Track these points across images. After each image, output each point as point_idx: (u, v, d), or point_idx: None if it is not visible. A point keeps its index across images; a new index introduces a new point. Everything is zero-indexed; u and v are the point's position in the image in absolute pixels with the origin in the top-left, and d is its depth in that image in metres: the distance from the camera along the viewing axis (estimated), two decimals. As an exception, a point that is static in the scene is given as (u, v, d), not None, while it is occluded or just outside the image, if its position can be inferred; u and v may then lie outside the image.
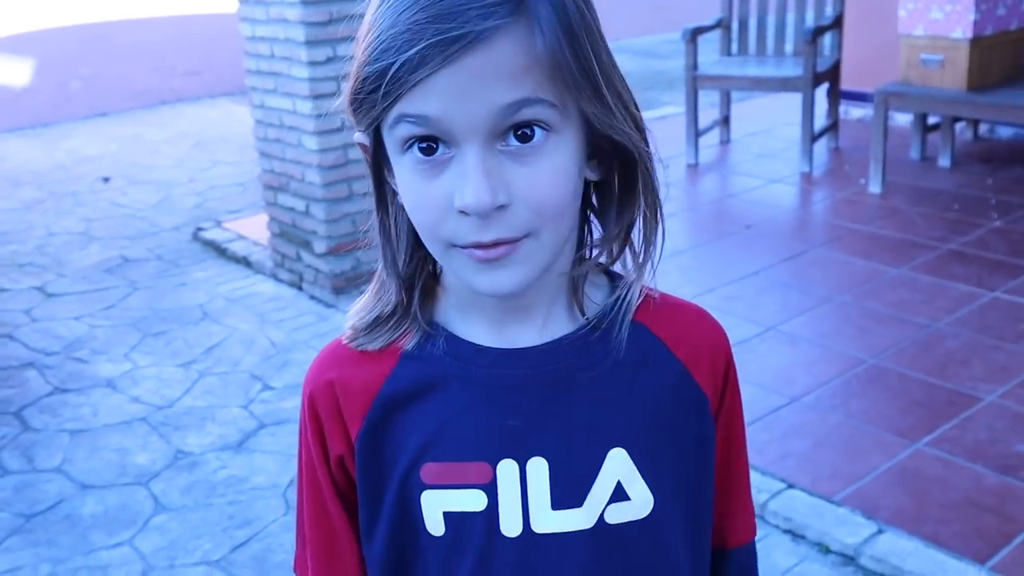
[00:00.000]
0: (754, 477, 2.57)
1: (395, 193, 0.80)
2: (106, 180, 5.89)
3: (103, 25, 7.90)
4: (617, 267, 0.85)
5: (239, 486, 2.79)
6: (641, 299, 0.84)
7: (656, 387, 0.84)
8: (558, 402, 0.81)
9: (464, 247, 0.74)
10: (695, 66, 5.15)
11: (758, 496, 2.50)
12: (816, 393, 2.98)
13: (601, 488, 0.81)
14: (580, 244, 0.84)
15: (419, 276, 0.84)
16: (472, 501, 0.82)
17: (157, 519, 2.67)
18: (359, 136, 0.80)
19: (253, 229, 4.66)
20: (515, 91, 0.69)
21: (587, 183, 0.80)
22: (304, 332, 3.71)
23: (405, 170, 0.75)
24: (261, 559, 2.49)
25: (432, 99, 0.70)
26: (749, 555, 0.96)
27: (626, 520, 0.82)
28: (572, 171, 0.74)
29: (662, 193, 0.81)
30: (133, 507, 2.73)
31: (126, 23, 7.98)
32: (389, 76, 0.70)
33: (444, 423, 0.82)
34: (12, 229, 5.08)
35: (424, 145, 0.72)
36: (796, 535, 2.41)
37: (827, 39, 5.32)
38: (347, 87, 0.75)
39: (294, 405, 3.21)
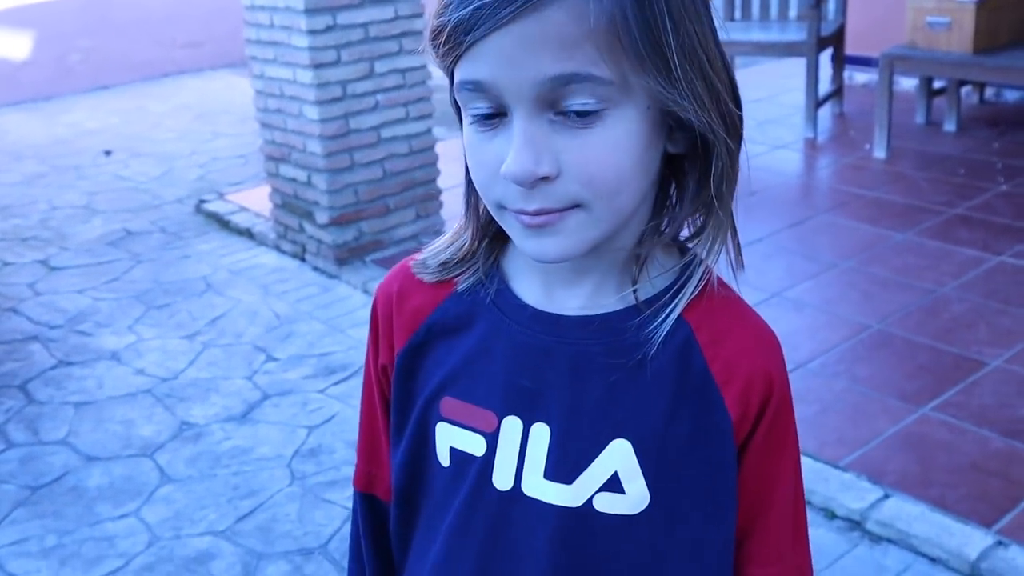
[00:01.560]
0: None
1: None
2: (108, 153, 5.87)
3: (102, -3, 7.84)
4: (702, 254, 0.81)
5: (243, 457, 2.80)
6: (701, 293, 0.80)
7: (679, 393, 0.79)
8: (577, 377, 0.80)
9: (512, 210, 0.74)
10: (699, 32, 5.09)
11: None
12: (821, 359, 2.97)
13: (595, 473, 0.79)
14: (655, 216, 0.80)
15: (493, 224, 0.82)
16: (474, 444, 0.83)
17: (162, 490, 2.68)
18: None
19: (255, 201, 4.64)
20: (565, 63, 0.67)
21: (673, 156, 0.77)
22: (307, 303, 3.71)
23: (467, 127, 0.75)
24: (266, 529, 2.49)
25: (483, 63, 0.69)
26: None
27: (615, 512, 0.80)
28: (634, 145, 0.71)
29: (737, 188, 0.78)
30: (138, 478, 2.73)
31: (125, -5, 7.92)
32: (446, 34, 0.70)
33: (469, 364, 0.84)
34: (14, 203, 5.07)
35: (485, 109, 0.72)
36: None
37: (831, 3, 5.26)
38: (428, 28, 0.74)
39: (298, 376, 3.21)
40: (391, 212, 3.99)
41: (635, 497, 0.79)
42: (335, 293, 3.76)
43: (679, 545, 0.82)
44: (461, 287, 0.85)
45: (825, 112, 5.29)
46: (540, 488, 0.81)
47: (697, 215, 0.80)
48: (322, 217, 3.89)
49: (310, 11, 3.60)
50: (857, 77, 5.84)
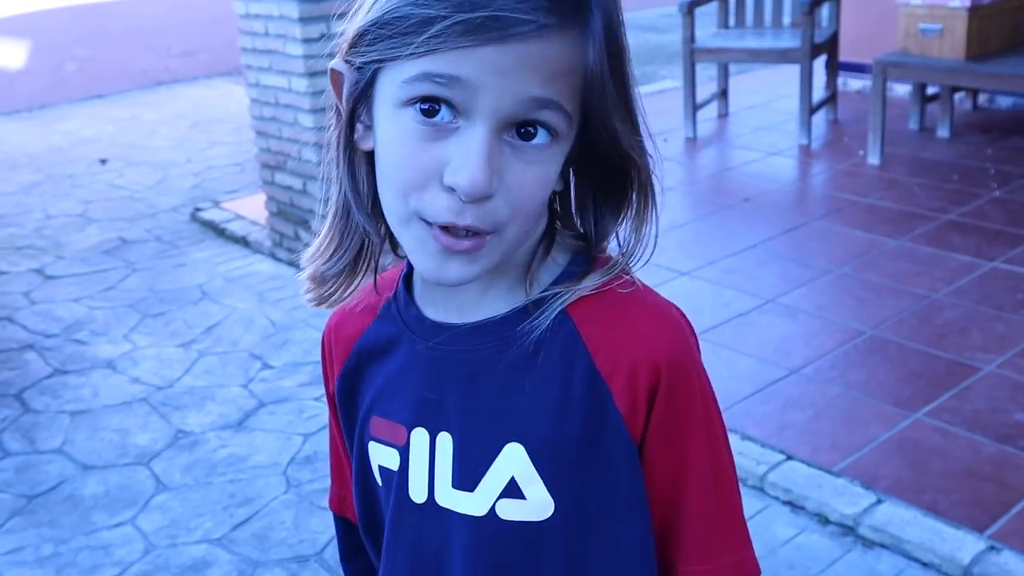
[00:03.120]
0: (753, 449, 2.58)
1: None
2: (103, 162, 5.88)
3: (98, 6, 7.84)
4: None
5: (239, 465, 2.80)
6: (596, 289, 0.78)
7: (566, 391, 0.77)
8: (470, 384, 0.80)
9: (435, 224, 0.71)
10: (692, 39, 5.12)
11: (757, 468, 2.50)
12: (815, 364, 2.98)
13: (493, 479, 0.79)
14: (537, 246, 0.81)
15: (386, 231, 0.80)
16: (392, 459, 0.85)
17: (158, 498, 2.68)
18: (338, 63, 0.76)
19: (251, 209, 4.65)
20: (547, 89, 0.69)
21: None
22: (303, 311, 3.71)
23: (398, 125, 0.71)
24: (262, 536, 2.50)
25: (468, 64, 0.67)
26: None
27: (521, 519, 0.79)
28: (553, 180, 0.75)
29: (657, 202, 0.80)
30: (134, 487, 2.73)
31: (120, 4, 7.93)
32: (434, 29, 0.67)
33: (388, 382, 0.85)
34: (10, 212, 5.08)
35: (427, 106, 0.69)
36: (795, 506, 2.42)
37: (825, 10, 5.28)
38: (363, 14, 0.72)
39: (294, 383, 3.21)
40: (386, 220, 4.00)
41: (537, 503, 0.78)
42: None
43: (594, 551, 0.80)
44: (383, 304, 0.86)
45: (819, 118, 5.31)
46: (450, 498, 0.81)
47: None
48: (317, 225, 3.89)
49: (304, 20, 3.62)
50: (851, 84, 5.87)
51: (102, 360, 3.45)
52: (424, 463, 0.82)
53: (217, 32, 7.99)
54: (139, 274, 4.18)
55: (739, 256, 3.75)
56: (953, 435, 2.60)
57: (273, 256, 4.22)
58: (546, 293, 0.78)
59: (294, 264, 4.11)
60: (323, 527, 2.51)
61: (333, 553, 2.41)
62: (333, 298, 0.83)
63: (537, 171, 0.72)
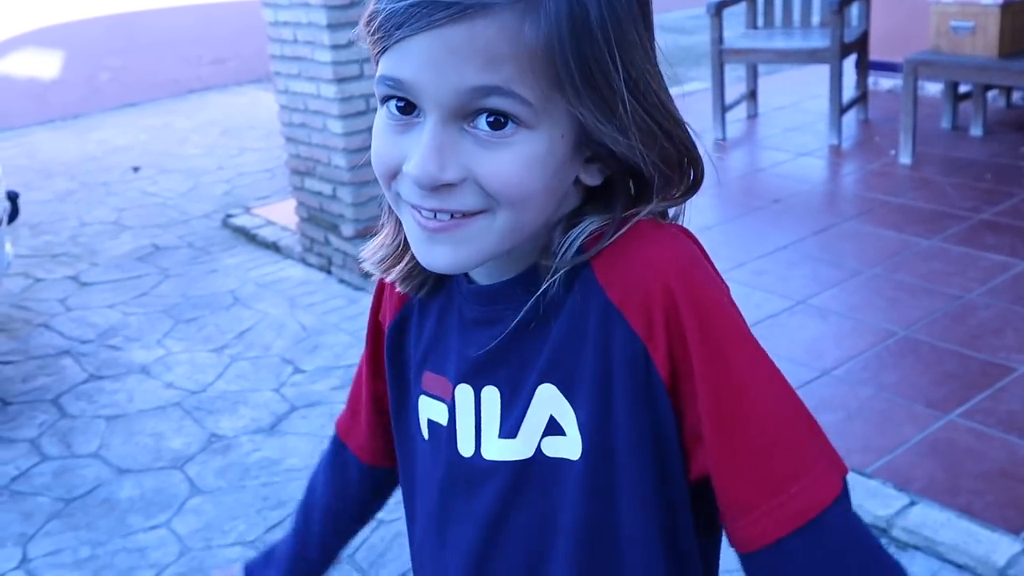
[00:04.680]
0: (784, 451, 2.57)
1: None
2: (136, 170, 5.95)
3: (129, 16, 7.95)
4: None
5: (272, 468, 2.83)
6: (606, 236, 0.75)
7: (587, 329, 0.76)
8: (507, 338, 0.80)
9: (409, 204, 0.75)
10: (721, 40, 5.11)
11: (789, 470, 2.49)
12: (847, 366, 2.96)
13: (533, 421, 0.80)
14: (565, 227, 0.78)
15: None
16: (441, 414, 0.86)
17: (192, 501, 2.71)
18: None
19: (281, 214, 4.69)
20: (487, 76, 0.68)
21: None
22: (334, 315, 3.74)
23: (379, 118, 0.75)
24: (295, 539, 2.52)
25: (408, 62, 0.69)
26: (778, 559, 0.71)
27: (561, 456, 0.79)
28: (544, 166, 0.71)
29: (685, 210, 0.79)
30: (169, 490, 2.77)
31: (151, 13, 8.03)
32: (377, 23, 0.71)
33: (439, 337, 0.87)
34: (46, 220, 5.15)
35: (402, 104, 0.72)
36: (827, 508, 2.40)
37: (855, 9, 5.25)
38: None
39: (325, 387, 3.24)
40: (415, 224, 4.02)
41: (574, 440, 0.78)
42: (361, 305, 3.79)
43: (624, 491, 0.77)
44: (396, 278, 0.87)
45: (849, 118, 5.28)
46: (497, 449, 0.82)
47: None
48: (347, 230, 3.92)
49: (333, 26, 3.65)
50: (881, 83, 5.82)
51: (136, 365, 3.50)
52: (471, 417, 0.83)
53: (247, 40, 8.07)
54: (172, 280, 4.23)
55: (769, 257, 3.73)
56: (988, 436, 2.57)
57: (304, 261, 4.26)
58: (558, 263, 0.77)
59: (324, 269, 4.14)
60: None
61: (365, 555, 2.42)
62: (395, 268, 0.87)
63: (507, 158, 0.70)
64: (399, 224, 0.83)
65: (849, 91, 5.24)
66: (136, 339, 3.70)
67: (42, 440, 3.06)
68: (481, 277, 0.83)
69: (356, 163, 3.83)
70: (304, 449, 2.90)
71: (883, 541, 2.28)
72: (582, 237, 0.76)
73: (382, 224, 0.87)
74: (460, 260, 0.75)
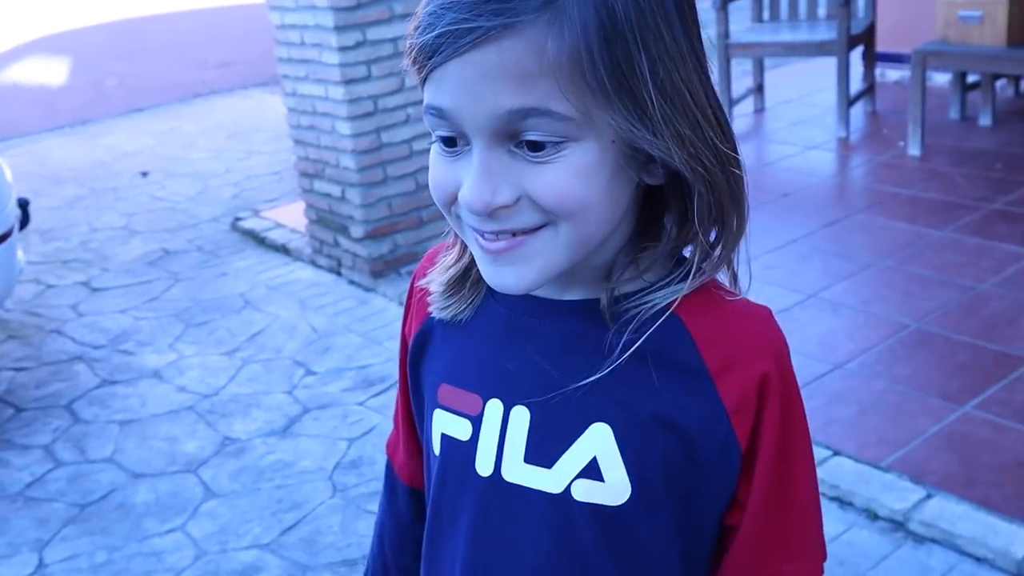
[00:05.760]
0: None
1: None
2: (145, 175, 5.96)
3: (135, 21, 7.96)
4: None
5: (286, 470, 2.83)
6: (697, 292, 0.77)
7: (668, 383, 0.77)
8: (559, 358, 0.79)
9: (472, 228, 0.75)
10: (727, 34, 5.09)
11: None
12: (860, 359, 2.95)
13: (573, 457, 0.78)
14: (633, 246, 0.79)
15: None
16: (461, 429, 0.84)
17: (207, 505, 2.71)
18: None
19: (290, 217, 4.69)
20: (523, 97, 0.67)
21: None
22: (344, 317, 3.74)
23: (433, 147, 0.76)
24: (311, 541, 2.52)
25: (445, 90, 0.70)
26: None
27: (595, 502, 0.78)
28: (596, 177, 0.70)
29: (741, 226, 0.77)
30: (183, 494, 2.77)
31: (157, 18, 8.04)
32: (413, 56, 0.71)
33: (465, 349, 0.85)
34: (56, 226, 5.16)
35: (446, 138, 0.73)
36: (843, 502, 2.39)
37: (861, 0, 5.22)
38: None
39: (337, 389, 3.24)
40: (425, 224, 4.02)
41: (616, 487, 0.77)
42: (372, 306, 3.80)
43: (663, 536, 0.80)
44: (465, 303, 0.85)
45: (857, 111, 5.25)
46: (521, 473, 0.80)
47: (688, 246, 0.78)
48: (357, 231, 3.93)
49: (340, 28, 3.65)
50: (889, 74, 5.79)
51: (149, 370, 3.50)
52: (495, 435, 0.81)
53: (252, 43, 8.07)
54: (182, 284, 4.24)
55: (780, 252, 3.72)
56: (1004, 427, 2.56)
57: (313, 263, 4.26)
58: (646, 287, 0.78)
59: (334, 271, 4.14)
60: (370, 531, 2.52)
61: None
62: (459, 303, 0.86)
63: (558, 172, 0.69)
64: (463, 247, 0.84)
65: (856, 83, 5.22)
66: (148, 343, 3.71)
67: (56, 446, 3.07)
68: (540, 290, 0.81)
69: (364, 164, 3.83)
70: (317, 451, 2.90)
71: (900, 535, 2.28)
72: (677, 290, 0.77)
73: (448, 247, 0.87)
74: (528, 278, 0.74)
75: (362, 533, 2.52)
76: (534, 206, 0.71)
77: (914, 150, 4.60)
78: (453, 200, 0.74)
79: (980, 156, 4.51)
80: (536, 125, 0.68)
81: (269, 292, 4.05)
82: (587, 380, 0.77)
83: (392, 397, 3.11)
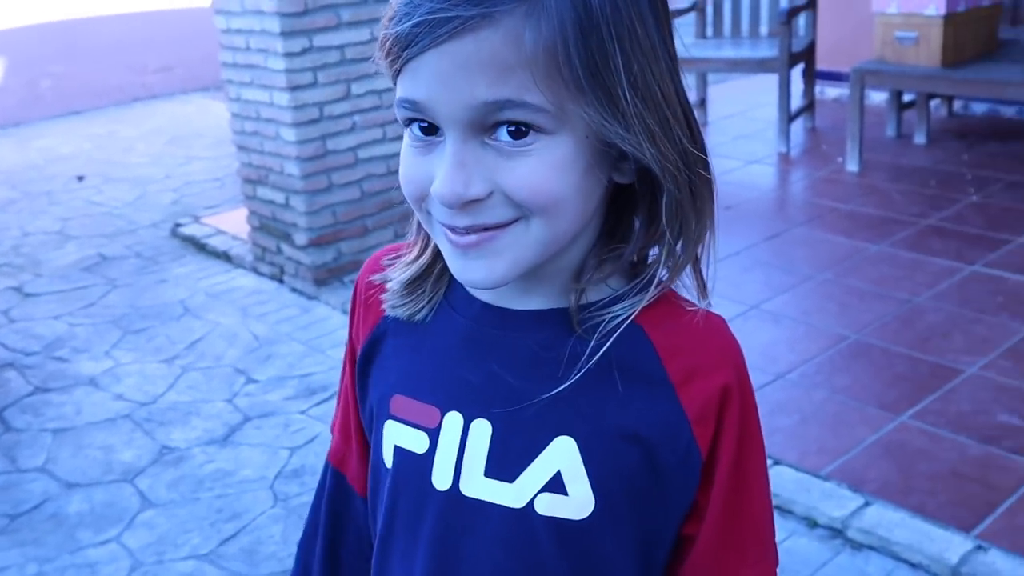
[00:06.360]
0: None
1: None
2: (81, 179, 5.84)
3: (72, 23, 7.81)
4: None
5: (226, 480, 2.78)
6: (657, 301, 0.77)
7: (629, 392, 0.77)
8: (522, 371, 0.78)
9: (442, 224, 0.74)
10: (671, 49, 5.14)
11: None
12: (800, 370, 3.00)
13: (537, 471, 0.77)
14: (604, 245, 0.78)
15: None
16: (417, 442, 0.82)
17: (144, 515, 2.65)
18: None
19: (232, 223, 4.63)
20: (499, 88, 0.67)
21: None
22: (287, 325, 3.70)
23: (404, 142, 0.75)
24: (251, 551, 2.48)
25: (420, 82, 0.69)
26: None
27: (558, 516, 0.77)
28: (569, 171, 0.70)
29: (708, 226, 0.77)
30: (120, 504, 2.71)
31: (95, 20, 7.90)
32: (387, 47, 0.70)
33: (420, 360, 0.83)
34: (-13, 230, 5.03)
35: (425, 125, 0.72)
36: (784, 510, 2.42)
37: (802, 19, 5.33)
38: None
39: (279, 397, 3.20)
40: (369, 232, 4.00)
41: (579, 501, 0.77)
42: (314, 314, 3.76)
43: (624, 549, 0.80)
44: (423, 305, 0.84)
45: (797, 126, 5.36)
46: (480, 487, 0.79)
47: (652, 247, 0.78)
48: (300, 239, 3.89)
49: (286, 34, 3.61)
50: (828, 92, 5.92)
51: (84, 377, 3.42)
52: (454, 449, 0.80)
53: (193, 47, 7.98)
54: (120, 290, 4.15)
55: (722, 263, 3.70)
56: (938, 437, 2.62)
57: (255, 271, 4.20)
58: (608, 298, 0.78)
59: (277, 278, 4.09)
60: (312, 541, 2.49)
61: (323, 567, 2.39)
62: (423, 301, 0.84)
63: (532, 166, 0.69)
64: (426, 245, 0.82)
65: (797, 100, 5.32)
66: (83, 350, 3.62)
67: (-14, 455, 2.98)
68: (500, 299, 0.80)
69: (309, 171, 3.79)
70: (258, 460, 2.86)
71: (838, 542, 2.31)
72: (639, 301, 0.77)
73: (409, 245, 0.85)
74: (497, 273, 0.73)
75: (304, 543, 2.48)
76: (506, 200, 0.70)
77: (852, 166, 4.70)
78: (423, 195, 0.73)
79: (916, 173, 4.63)
80: (512, 116, 0.68)
81: (209, 299, 3.99)
82: (551, 392, 0.76)
83: (335, 406, 3.08)
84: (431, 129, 0.71)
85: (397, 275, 0.85)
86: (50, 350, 3.64)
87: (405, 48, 0.68)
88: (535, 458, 0.77)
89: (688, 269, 0.79)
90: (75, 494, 2.77)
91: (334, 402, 3.08)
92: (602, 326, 0.76)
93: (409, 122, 0.73)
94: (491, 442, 0.79)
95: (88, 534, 2.59)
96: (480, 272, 0.73)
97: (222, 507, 2.66)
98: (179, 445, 2.96)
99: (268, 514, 2.61)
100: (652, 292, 0.77)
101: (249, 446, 2.93)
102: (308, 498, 2.64)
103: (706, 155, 0.75)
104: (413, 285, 0.84)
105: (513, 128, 0.68)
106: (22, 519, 2.67)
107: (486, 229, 0.72)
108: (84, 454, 2.96)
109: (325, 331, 3.61)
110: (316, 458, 2.83)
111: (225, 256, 4.38)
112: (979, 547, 2.22)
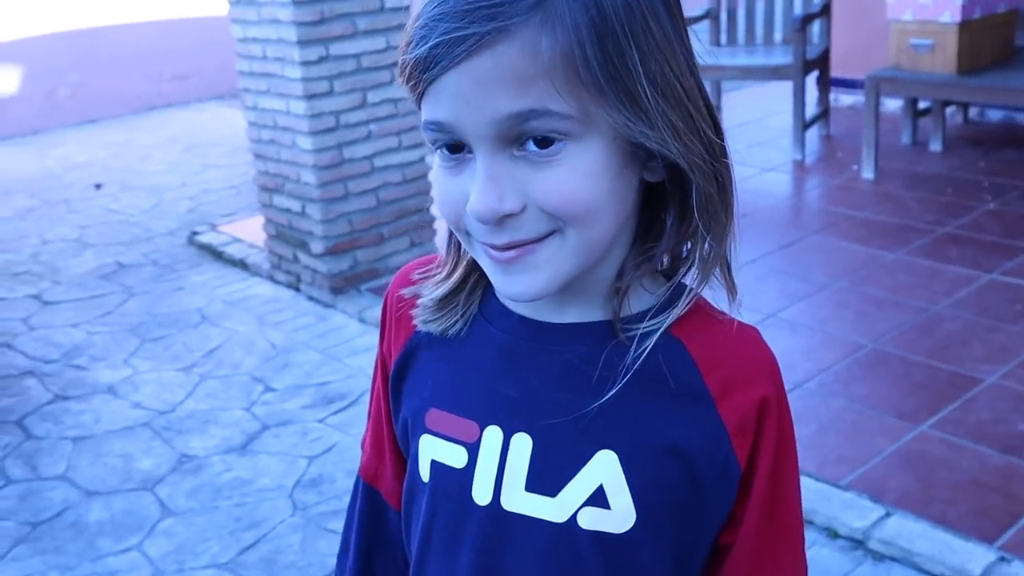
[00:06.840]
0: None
1: None
2: (98, 187, 5.88)
3: (89, 32, 7.85)
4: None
5: (245, 488, 2.79)
6: (690, 313, 0.78)
7: (670, 405, 0.78)
8: (562, 384, 0.78)
9: (481, 243, 0.74)
10: (685, 57, 5.15)
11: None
12: (818, 379, 2.99)
13: (579, 486, 0.77)
14: (639, 245, 0.79)
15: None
16: (455, 456, 0.82)
17: (164, 523, 2.66)
18: None
19: (249, 231, 4.65)
20: (521, 100, 0.67)
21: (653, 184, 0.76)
22: (304, 333, 3.71)
23: (435, 165, 0.75)
24: (270, 560, 2.48)
25: (443, 102, 0.70)
26: None
27: (600, 530, 0.78)
28: (602, 175, 0.70)
29: (732, 219, 0.77)
30: (139, 512, 2.72)
31: (112, 29, 7.94)
32: (408, 72, 0.71)
33: (456, 374, 0.83)
34: (6, 238, 5.06)
35: (451, 143, 0.72)
36: (804, 520, 2.41)
37: (816, 26, 5.33)
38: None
39: (296, 406, 3.21)
40: (385, 240, 4.01)
41: (621, 515, 0.77)
42: (331, 322, 3.77)
43: (662, 559, 0.80)
44: (458, 320, 0.84)
45: (812, 134, 5.35)
46: (521, 501, 0.79)
47: (685, 244, 0.79)
48: (317, 247, 3.90)
49: (303, 43, 3.63)
50: (843, 99, 5.91)
51: (103, 385, 3.44)
52: (494, 463, 0.80)
53: (209, 56, 8.01)
54: (137, 298, 4.17)
55: (738, 272, 3.75)
56: (959, 446, 2.61)
57: (272, 279, 4.22)
58: (644, 311, 0.78)
59: (293, 286, 4.11)
60: (330, 549, 2.50)
61: None
62: (453, 318, 0.84)
63: (562, 174, 0.69)
64: (457, 262, 0.83)
65: (811, 107, 5.31)
66: (102, 358, 3.64)
67: (6, 463, 3.00)
68: (538, 312, 0.81)
69: (325, 180, 3.81)
70: (276, 468, 2.87)
71: (860, 553, 2.31)
72: (676, 311, 0.78)
73: (440, 263, 0.86)
74: (538, 286, 0.73)
75: (323, 552, 2.49)
76: (540, 214, 0.71)
77: (868, 173, 4.69)
78: (460, 215, 0.74)
79: (931, 180, 4.61)
80: (538, 126, 0.68)
81: (227, 307, 4.00)
82: (592, 406, 0.77)
83: (353, 414, 3.09)
84: (458, 147, 0.72)
85: (429, 292, 0.85)
86: (69, 358, 3.66)
87: (425, 71, 0.69)
88: (577, 472, 0.78)
89: (716, 271, 0.79)
90: (95, 502, 2.78)
91: (352, 411, 3.08)
92: (639, 338, 0.77)
93: (436, 144, 0.73)
94: (532, 456, 0.79)
95: (108, 542, 2.61)
96: (521, 286, 0.74)
97: (241, 516, 2.67)
98: (198, 453, 2.98)
99: (287, 523, 2.62)
100: (685, 300, 0.77)
101: (267, 455, 2.94)
102: (326, 507, 2.66)
103: (725, 143, 0.76)
104: (445, 301, 0.84)
105: (540, 138, 0.69)
106: (43, 527, 2.69)
107: (523, 244, 0.72)
108: (103, 462, 2.97)
109: (342, 339, 3.62)
110: (334, 467, 2.84)
111: (242, 264, 4.40)
112: (1002, 558, 2.21)
